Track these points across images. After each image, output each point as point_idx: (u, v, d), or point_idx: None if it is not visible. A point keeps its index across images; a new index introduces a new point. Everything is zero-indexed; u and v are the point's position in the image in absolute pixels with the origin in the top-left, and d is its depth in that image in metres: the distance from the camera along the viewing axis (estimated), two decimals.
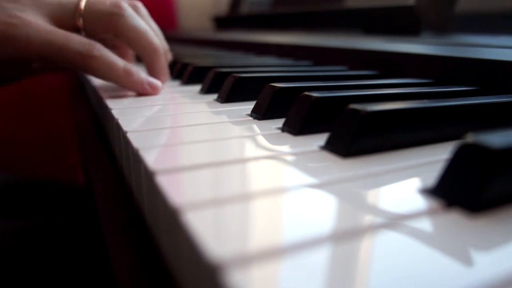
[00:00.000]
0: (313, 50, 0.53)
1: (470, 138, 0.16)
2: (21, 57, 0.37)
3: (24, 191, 0.59)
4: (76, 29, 0.39)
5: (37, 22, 0.36)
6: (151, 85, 0.39)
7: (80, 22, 0.39)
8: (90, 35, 0.40)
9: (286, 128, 0.26)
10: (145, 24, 0.41)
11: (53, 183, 0.63)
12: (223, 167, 0.20)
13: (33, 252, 0.40)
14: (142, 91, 0.39)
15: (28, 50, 0.36)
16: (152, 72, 0.42)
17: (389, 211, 0.16)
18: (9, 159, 1.16)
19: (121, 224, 0.27)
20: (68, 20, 0.39)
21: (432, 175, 0.18)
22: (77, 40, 0.37)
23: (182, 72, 0.49)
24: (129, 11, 0.40)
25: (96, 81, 0.49)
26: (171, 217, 0.16)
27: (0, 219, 0.49)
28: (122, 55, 0.47)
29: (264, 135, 0.26)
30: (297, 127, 0.25)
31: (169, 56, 0.48)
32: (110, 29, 0.39)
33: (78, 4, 0.39)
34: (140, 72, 0.39)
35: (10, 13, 0.35)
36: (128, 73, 0.38)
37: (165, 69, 0.43)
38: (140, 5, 0.44)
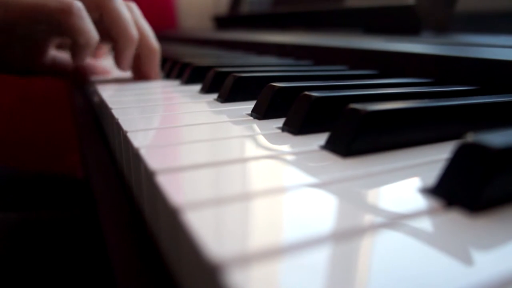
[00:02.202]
0: (314, 50, 0.53)
1: (470, 138, 0.16)
2: (6, 18, 0.39)
3: (26, 184, 0.59)
4: None
5: None
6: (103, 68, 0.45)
7: None
8: None
9: (286, 128, 0.26)
10: (129, 15, 0.44)
11: (55, 177, 0.64)
12: (223, 167, 0.20)
13: (27, 248, 0.41)
14: (93, 65, 0.45)
15: (10, 9, 0.39)
16: (118, 57, 0.45)
17: (389, 210, 0.16)
18: (9, 158, 1.16)
19: (121, 223, 0.27)
20: None
21: (432, 174, 0.18)
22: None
23: (182, 72, 0.49)
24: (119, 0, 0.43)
25: (96, 80, 0.49)
26: (171, 216, 0.16)
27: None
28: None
29: (264, 135, 0.26)
30: (297, 126, 0.25)
31: (156, 54, 0.49)
32: (98, 8, 0.42)
33: None
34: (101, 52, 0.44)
35: None
36: (92, 44, 0.41)
37: (129, 60, 0.46)
38: (134, 6, 0.47)
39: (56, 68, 0.51)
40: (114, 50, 0.46)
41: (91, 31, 0.41)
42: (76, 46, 0.42)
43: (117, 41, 0.44)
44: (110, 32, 0.44)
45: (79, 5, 0.40)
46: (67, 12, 0.39)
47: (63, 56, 0.52)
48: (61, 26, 0.40)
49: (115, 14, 0.43)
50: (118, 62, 0.46)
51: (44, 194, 0.58)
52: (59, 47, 0.50)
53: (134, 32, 0.44)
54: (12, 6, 0.39)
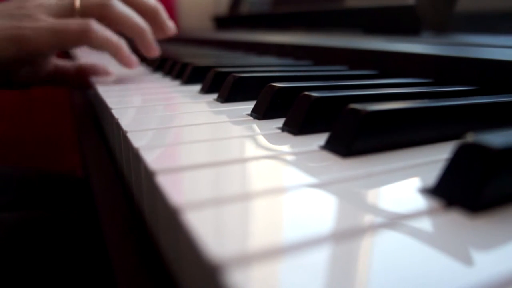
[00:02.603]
0: (313, 50, 0.53)
1: (470, 138, 0.16)
2: (34, 50, 0.42)
3: (26, 183, 0.59)
4: None
5: (41, 18, 0.43)
6: (133, 61, 0.47)
7: (78, 17, 0.45)
8: None
9: (286, 128, 0.26)
10: (130, 10, 0.47)
11: (55, 175, 0.64)
12: (223, 167, 0.20)
13: (26, 247, 0.41)
14: (126, 63, 0.47)
15: (37, 43, 0.42)
16: (141, 48, 0.49)
17: (389, 210, 0.16)
18: (9, 158, 1.16)
19: (121, 223, 0.27)
20: (67, 16, 0.45)
21: (432, 174, 0.18)
22: (74, 22, 0.43)
23: (182, 72, 0.49)
24: (116, 1, 0.46)
25: (96, 80, 0.49)
26: (171, 216, 0.16)
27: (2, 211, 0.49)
28: None
29: (264, 135, 0.26)
30: (297, 126, 0.25)
31: (171, 28, 0.53)
32: (103, 18, 0.45)
33: (73, 2, 0.45)
34: (127, 49, 0.46)
35: (21, 18, 0.42)
36: (120, 47, 0.45)
37: (152, 45, 0.49)
38: None
39: (58, 76, 0.53)
40: (135, 43, 0.49)
41: (114, 38, 0.45)
42: (112, 55, 0.46)
43: (133, 36, 0.48)
44: (123, 32, 0.47)
45: (95, 23, 0.43)
46: (87, 31, 0.42)
47: (64, 62, 0.54)
48: (83, 43, 0.43)
49: (120, 18, 0.46)
50: (145, 52, 0.49)
51: (44, 193, 0.58)
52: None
53: (142, 24, 0.47)
54: (33, 42, 0.42)
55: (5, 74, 0.46)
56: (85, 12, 0.45)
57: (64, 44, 0.43)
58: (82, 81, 0.53)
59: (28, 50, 0.42)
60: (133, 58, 0.47)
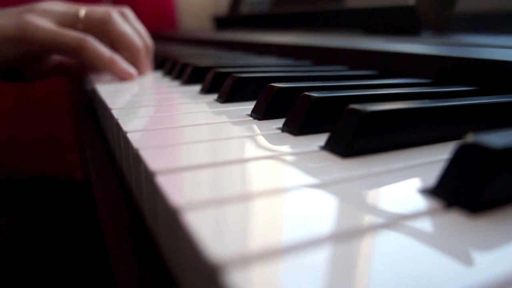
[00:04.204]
0: (313, 50, 0.53)
1: (470, 138, 0.16)
2: (31, 52, 0.46)
3: (27, 188, 0.59)
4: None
5: (43, 24, 0.46)
6: (127, 73, 0.49)
7: (80, 26, 0.48)
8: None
9: (286, 128, 0.26)
10: (129, 28, 0.51)
11: (55, 179, 0.64)
12: (223, 167, 0.20)
13: (28, 252, 0.41)
14: (122, 77, 0.49)
15: (35, 45, 0.45)
16: (134, 65, 0.51)
17: (389, 211, 0.16)
18: (9, 159, 1.16)
19: (121, 224, 0.27)
20: (71, 24, 0.48)
21: (432, 175, 0.18)
22: (72, 36, 0.46)
23: (182, 72, 0.49)
24: (117, 19, 0.50)
25: (96, 80, 0.49)
26: (171, 217, 0.16)
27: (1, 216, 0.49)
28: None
29: (264, 135, 0.26)
30: (297, 127, 0.25)
31: (150, 50, 0.56)
32: (103, 31, 0.49)
33: (78, 12, 0.49)
34: (122, 62, 0.49)
35: (25, 20, 0.45)
36: (112, 62, 0.48)
37: (144, 63, 0.53)
38: (127, 12, 0.53)
39: (62, 68, 0.55)
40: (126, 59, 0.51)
41: (106, 54, 0.47)
42: (104, 70, 0.48)
43: (127, 54, 0.51)
44: (119, 47, 0.51)
45: (91, 40, 0.46)
46: (81, 49, 0.46)
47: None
48: (76, 57, 0.48)
49: (118, 36, 0.49)
50: (137, 68, 0.51)
51: (42, 198, 0.58)
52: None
53: (138, 44, 0.51)
54: (29, 44, 0.45)
55: (9, 70, 0.49)
56: (88, 23, 0.48)
57: (60, 52, 0.47)
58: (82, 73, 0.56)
59: (27, 49, 0.45)
60: (129, 70, 0.49)
